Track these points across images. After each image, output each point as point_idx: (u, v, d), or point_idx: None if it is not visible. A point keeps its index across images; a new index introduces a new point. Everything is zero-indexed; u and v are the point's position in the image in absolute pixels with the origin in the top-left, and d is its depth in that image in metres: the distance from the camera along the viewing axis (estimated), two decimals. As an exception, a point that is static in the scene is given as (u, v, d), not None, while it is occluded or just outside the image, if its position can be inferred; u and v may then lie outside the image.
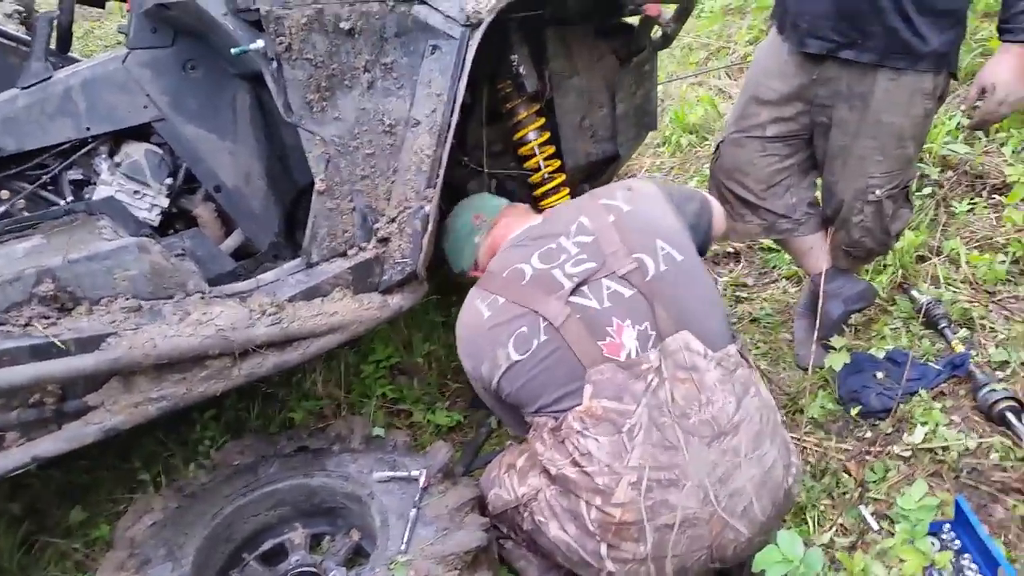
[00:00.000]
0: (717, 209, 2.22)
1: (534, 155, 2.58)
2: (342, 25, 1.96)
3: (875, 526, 2.24)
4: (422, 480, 2.10)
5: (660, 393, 1.73)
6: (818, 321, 2.67)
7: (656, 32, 2.69)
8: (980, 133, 3.71)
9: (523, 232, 2.08)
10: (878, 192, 2.49)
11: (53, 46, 2.47)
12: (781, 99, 2.52)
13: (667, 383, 1.73)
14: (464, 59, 1.99)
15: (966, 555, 2.07)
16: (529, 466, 1.94)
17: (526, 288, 1.88)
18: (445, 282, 3.35)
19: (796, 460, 1.94)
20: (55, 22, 2.39)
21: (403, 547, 1.91)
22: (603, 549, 1.77)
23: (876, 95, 2.35)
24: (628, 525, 1.73)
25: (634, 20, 2.70)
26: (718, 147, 2.72)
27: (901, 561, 1.80)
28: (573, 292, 1.82)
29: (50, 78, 2.19)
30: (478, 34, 1.99)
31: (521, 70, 2.40)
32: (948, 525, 2.15)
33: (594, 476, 1.73)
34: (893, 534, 1.84)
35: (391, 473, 2.16)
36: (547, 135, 2.60)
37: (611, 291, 1.82)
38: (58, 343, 1.79)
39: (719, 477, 1.73)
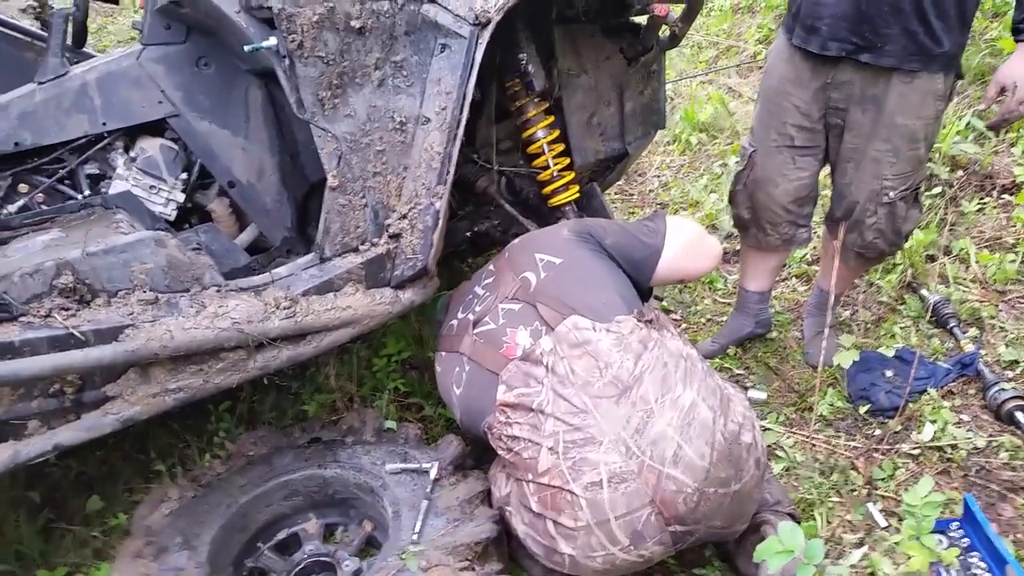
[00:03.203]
0: (680, 243, 2.23)
1: (543, 153, 2.60)
2: (353, 23, 1.99)
3: (883, 523, 2.26)
4: (433, 472, 2.13)
5: (559, 369, 1.86)
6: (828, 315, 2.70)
7: (664, 32, 2.70)
8: (990, 133, 3.71)
9: (458, 295, 2.38)
10: (892, 194, 2.50)
11: (68, 42, 2.50)
12: (803, 106, 2.51)
13: (564, 360, 1.86)
14: (473, 58, 2.01)
15: (974, 553, 2.07)
16: (507, 476, 2.02)
17: (453, 338, 2.18)
18: (455, 277, 3.38)
19: (739, 408, 1.91)
20: (71, 18, 2.41)
21: (415, 538, 1.94)
22: (551, 527, 1.82)
23: (890, 98, 2.36)
24: (558, 491, 1.78)
25: (642, 19, 2.71)
26: (750, 157, 2.70)
27: (907, 557, 1.80)
28: (476, 324, 2.10)
29: (66, 74, 2.22)
30: (487, 33, 2.01)
31: (529, 68, 2.41)
32: (956, 523, 2.15)
33: (521, 453, 1.86)
34: (901, 531, 1.85)
35: (403, 465, 2.19)
36: (556, 133, 2.62)
37: (505, 310, 2.07)
38: (77, 334, 1.81)
39: (635, 428, 1.77)
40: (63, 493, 2.52)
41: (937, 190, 3.58)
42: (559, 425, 1.81)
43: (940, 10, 2.23)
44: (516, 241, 2.32)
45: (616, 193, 4.44)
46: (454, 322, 2.23)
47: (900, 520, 2.19)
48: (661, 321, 1.98)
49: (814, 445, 2.55)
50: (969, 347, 2.84)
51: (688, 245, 2.25)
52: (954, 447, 2.46)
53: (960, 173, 3.65)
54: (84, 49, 2.83)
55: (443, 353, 2.22)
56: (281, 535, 2.23)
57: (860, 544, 2.19)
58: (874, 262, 2.87)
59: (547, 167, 2.62)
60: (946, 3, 2.23)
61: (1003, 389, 2.58)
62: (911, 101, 2.35)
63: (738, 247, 3.71)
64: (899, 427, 2.57)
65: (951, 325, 2.96)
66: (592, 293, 2.01)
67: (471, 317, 2.15)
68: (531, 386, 1.88)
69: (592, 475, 1.75)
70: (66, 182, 2.32)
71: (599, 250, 2.18)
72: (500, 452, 1.96)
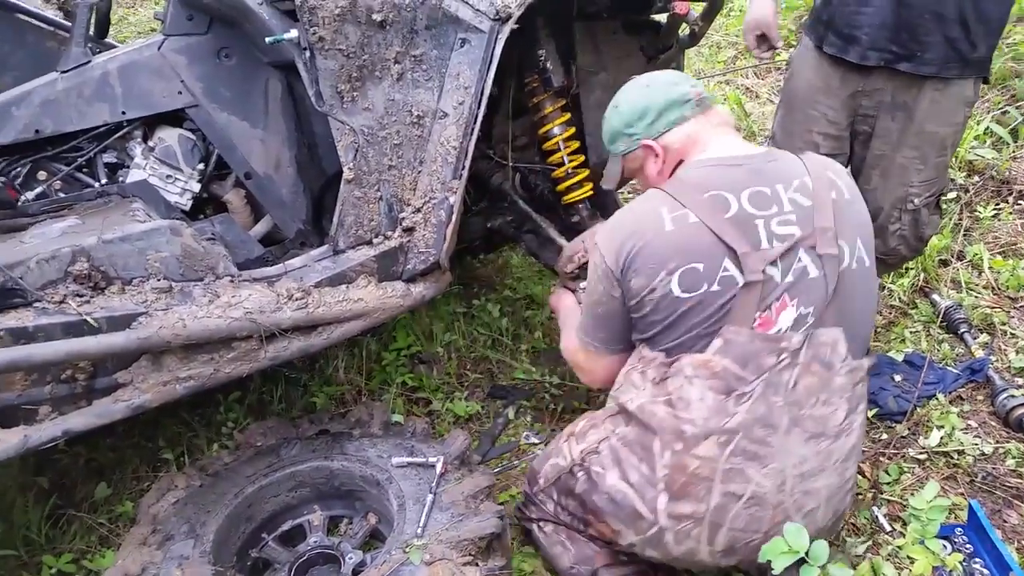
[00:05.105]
0: None
1: (559, 150, 2.59)
2: (374, 17, 2.00)
3: (887, 527, 2.25)
4: (439, 466, 2.13)
5: (784, 375, 1.67)
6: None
7: (684, 30, 2.69)
8: (1008, 138, 3.69)
9: (737, 156, 1.83)
10: (916, 201, 2.49)
11: (91, 32, 2.52)
12: (831, 114, 2.49)
13: (796, 368, 1.67)
14: (492, 53, 2.02)
15: (977, 560, 2.07)
16: (590, 426, 1.94)
17: (727, 223, 1.69)
18: (467, 273, 3.39)
19: (854, 469, 1.90)
20: (94, 8, 2.43)
21: (419, 531, 1.94)
22: (662, 500, 1.73)
23: (921, 105, 2.34)
24: (698, 480, 1.69)
25: (662, 17, 2.71)
26: None
27: (911, 561, 1.81)
28: (775, 261, 1.67)
29: (89, 63, 2.24)
30: (507, 28, 2.01)
31: (548, 65, 2.41)
32: (960, 529, 2.15)
33: (683, 423, 1.68)
34: (905, 536, 1.85)
35: (409, 459, 2.19)
36: (572, 130, 2.61)
37: (801, 265, 1.69)
38: (91, 321, 1.83)
39: (802, 472, 1.71)
40: (71, 479, 2.54)
41: (952, 195, 3.56)
42: (742, 428, 1.68)
43: (980, 13, 2.21)
44: (844, 189, 1.82)
45: (630, 192, 4.43)
46: (731, 199, 1.71)
47: (905, 524, 2.19)
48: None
49: (822, 449, 2.54)
50: (979, 353, 2.83)
51: None
52: (961, 453, 2.46)
53: (976, 178, 3.63)
54: (106, 40, 2.85)
55: (690, 215, 1.70)
56: (286, 526, 2.25)
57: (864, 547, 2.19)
58: (894, 267, 2.87)
59: (562, 164, 2.61)
60: (987, 7, 2.21)
61: (1012, 396, 2.57)
62: (943, 108, 2.34)
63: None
64: (906, 432, 2.57)
65: (962, 331, 2.95)
66: (863, 324, 1.83)
67: (763, 233, 1.68)
68: (746, 370, 1.66)
69: (738, 487, 1.69)
70: (84, 170, 2.34)
71: None
72: (651, 390, 1.74)
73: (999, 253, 3.29)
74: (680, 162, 1.89)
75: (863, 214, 1.86)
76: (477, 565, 1.89)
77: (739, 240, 1.66)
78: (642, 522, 1.77)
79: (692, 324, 1.70)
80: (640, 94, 1.94)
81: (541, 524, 2.08)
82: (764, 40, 2.56)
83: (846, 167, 2.61)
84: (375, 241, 2.19)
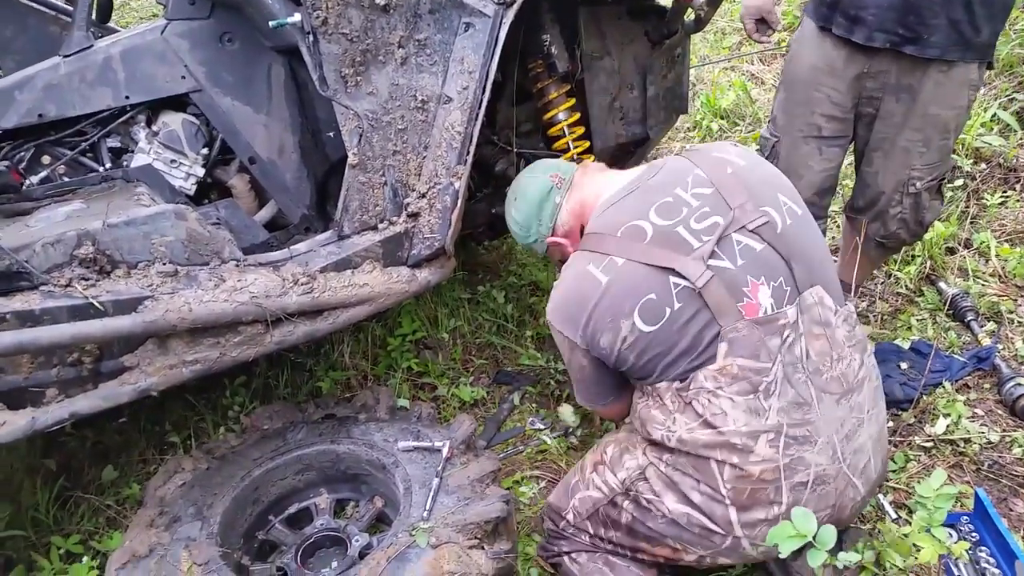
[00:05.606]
0: None
1: (563, 136, 2.59)
2: (378, 0, 1.99)
3: (893, 515, 2.25)
4: (445, 451, 2.14)
5: (795, 349, 1.68)
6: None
7: (689, 15, 2.68)
8: (1015, 125, 3.67)
9: (624, 187, 1.89)
10: (918, 184, 2.48)
11: (93, 16, 2.51)
12: (835, 95, 2.47)
13: (803, 339, 1.69)
14: (497, 37, 2.01)
15: (983, 548, 2.07)
16: (621, 451, 1.89)
17: (651, 248, 1.73)
18: (472, 259, 3.38)
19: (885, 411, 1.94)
20: (97, -8, 2.43)
21: (425, 515, 1.95)
22: (733, 514, 1.71)
23: (926, 88, 2.33)
24: (765, 484, 1.68)
25: (667, 3, 2.69)
26: (773, 148, 2.64)
27: (917, 548, 1.80)
28: (712, 255, 1.69)
29: (91, 47, 2.24)
30: (511, 12, 2.01)
31: (553, 50, 2.40)
32: (967, 517, 2.15)
33: (730, 436, 1.66)
34: (910, 524, 1.85)
35: (415, 443, 2.20)
36: (577, 116, 2.61)
37: (742, 246, 1.72)
38: (97, 304, 1.83)
39: (845, 434, 1.73)
40: (79, 462, 2.56)
41: (959, 182, 3.54)
42: (783, 416, 1.67)
43: None
44: (735, 158, 1.88)
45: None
46: (643, 225, 1.76)
47: (910, 513, 2.19)
48: None
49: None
50: (986, 341, 2.82)
51: None
52: (967, 441, 2.45)
53: (983, 166, 3.61)
54: (108, 24, 2.84)
55: (617, 260, 1.74)
56: (292, 509, 2.26)
57: (870, 534, 2.18)
58: (894, 251, 2.86)
59: (567, 150, 2.61)
60: None
61: (1019, 384, 2.56)
62: (946, 91, 2.33)
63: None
64: (912, 419, 2.56)
65: (969, 319, 2.94)
66: (830, 269, 1.84)
67: (688, 235, 1.72)
68: (761, 360, 1.66)
69: (803, 476, 1.69)
70: (88, 155, 2.34)
71: None
72: (683, 419, 1.72)
73: (1006, 241, 3.27)
74: (583, 225, 2.00)
75: (767, 168, 1.91)
76: (483, 548, 1.90)
77: (669, 256, 1.70)
78: (715, 537, 1.75)
79: (687, 346, 1.70)
80: (517, 213, 2.14)
81: (573, 555, 2.00)
82: (764, 24, 2.56)
83: (848, 149, 2.60)
84: (380, 226, 2.19)
